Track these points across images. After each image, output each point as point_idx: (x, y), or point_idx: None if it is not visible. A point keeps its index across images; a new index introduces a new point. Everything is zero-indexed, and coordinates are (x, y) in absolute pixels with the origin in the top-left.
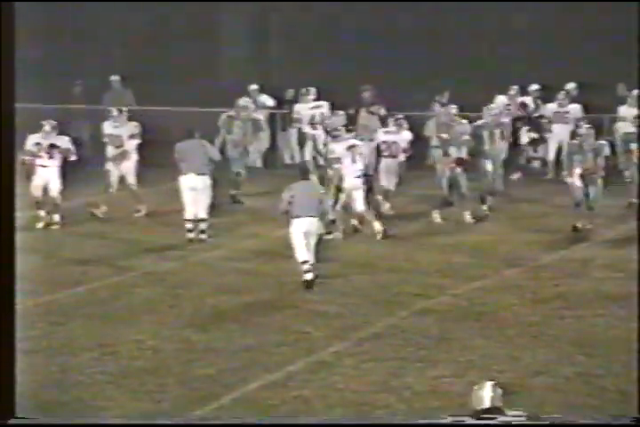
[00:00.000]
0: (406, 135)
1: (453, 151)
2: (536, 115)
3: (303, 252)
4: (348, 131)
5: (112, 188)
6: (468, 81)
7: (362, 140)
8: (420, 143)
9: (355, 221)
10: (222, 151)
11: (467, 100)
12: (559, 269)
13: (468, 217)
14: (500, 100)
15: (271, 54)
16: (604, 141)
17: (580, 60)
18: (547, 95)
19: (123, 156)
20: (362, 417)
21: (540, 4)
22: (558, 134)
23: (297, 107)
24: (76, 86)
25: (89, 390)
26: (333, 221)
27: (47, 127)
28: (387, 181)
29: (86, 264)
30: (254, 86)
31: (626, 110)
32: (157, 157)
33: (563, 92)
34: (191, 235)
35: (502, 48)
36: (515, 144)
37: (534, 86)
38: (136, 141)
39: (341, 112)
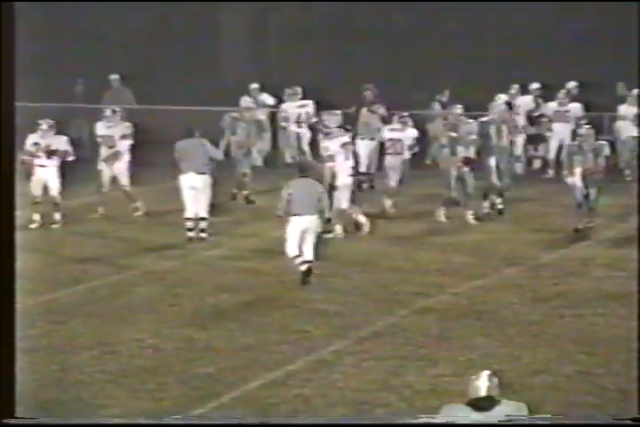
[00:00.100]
0: (411, 133)
1: (461, 150)
2: (537, 114)
3: (294, 247)
4: (346, 130)
5: (105, 188)
6: (468, 81)
7: (363, 139)
8: (419, 142)
9: (361, 218)
10: (227, 152)
11: (467, 99)
12: (559, 268)
13: (470, 217)
14: (501, 99)
15: (271, 54)
16: (603, 141)
17: (580, 59)
18: (547, 94)
19: (115, 156)
20: (362, 416)
21: (540, 3)
22: (559, 133)
23: (284, 106)
24: (77, 85)
25: (89, 388)
26: (329, 220)
27: (44, 126)
28: (390, 178)
29: (86, 263)
30: (255, 85)
31: (626, 109)
32: (157, 157)
33: (563, 90)
34: (191, 234)
35: (502, 48)
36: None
37: (535, 85)
38: (128, 142)
39: (338, 111)
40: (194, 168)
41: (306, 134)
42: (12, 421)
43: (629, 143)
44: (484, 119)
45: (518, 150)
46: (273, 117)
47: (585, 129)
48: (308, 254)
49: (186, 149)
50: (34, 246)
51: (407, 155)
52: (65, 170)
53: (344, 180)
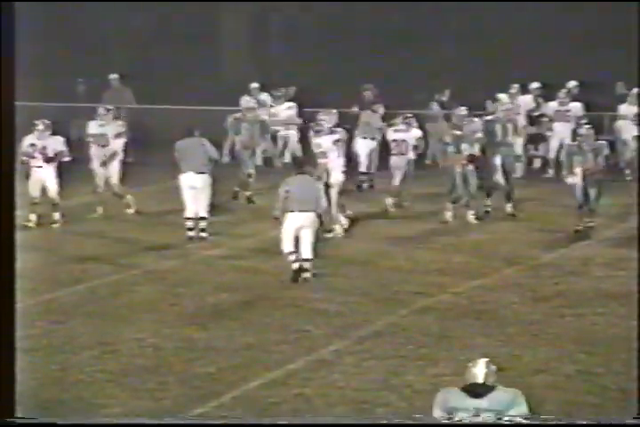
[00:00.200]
0: (415, 133)
1: (466, 148)
2: (537, 113)
3: (289, 244)
4: (345, 129)
5: (100, 188)
6: (468, 81)
7: (364, 138)
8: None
9: (342, 218)
10: (232, 153)
11: (467, 99)
12: (559, 268)
13: (471, 217)
14: (501, 98)
15: (271, 54)
16: (603, 141)
17: (580, 59)
18: (547, 94)
19: (112, 157)
20: (362, 415)
21: (540, 3)
22: (559, 133)
23: (273, 109)
24: (78, 85)
25: (89, 388)
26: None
27: (40, 126)
28: (395, 178)
29: (86, 262)
30: (255, 85)
31: (626, 109)
32: (157, 156)
33: (564, 90)
34: (191, 233)
35: (502, 48)
36: None
37: (535, 84)
38: (122, 140)
39: (334, 111)
40: (193, 168)
41: (294, 135)
42: (12, 421)
43: (630, 143)
44: (490, 117)
45: (518, 150)
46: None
47: (585, 129)
48: (306, 252)
49: (185, 149)
50: (34, 246)
51: (412, 155)
52: (65, 170)
53: (337, 177)
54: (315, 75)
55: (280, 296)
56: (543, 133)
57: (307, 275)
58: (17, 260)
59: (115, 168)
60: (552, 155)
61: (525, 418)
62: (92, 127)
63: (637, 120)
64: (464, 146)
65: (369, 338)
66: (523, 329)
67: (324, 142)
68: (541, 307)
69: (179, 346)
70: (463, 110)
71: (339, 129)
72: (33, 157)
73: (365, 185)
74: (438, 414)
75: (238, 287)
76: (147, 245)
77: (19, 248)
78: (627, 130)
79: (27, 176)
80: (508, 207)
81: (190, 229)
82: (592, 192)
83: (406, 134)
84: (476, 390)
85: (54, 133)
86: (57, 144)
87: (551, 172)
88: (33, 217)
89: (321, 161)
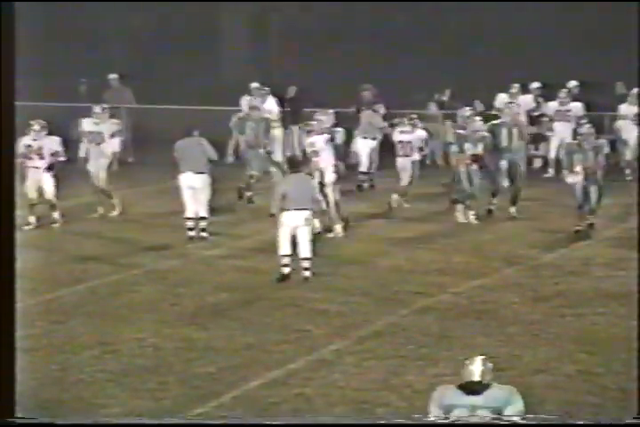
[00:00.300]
0: (420, 134)
1: (469, 148)
2: (537, 113)
3: (285, 245)
4: (344, 128)
5: (97, 188)
6: (468, 81)
7: (365, 138)
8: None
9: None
10: (236, 153)
11: (467, 99)
12: (559, 268)
13: (472, 217)
14: (501, 98)
15: (271, 54)
16: (603, 140)
17: (580, 59)
18: (548, 93)
19: (110, 156)
20: (362, 415)
21: (540, 3)
22: (560, 133)
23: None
24: (80, 85)
25: (89, 388)
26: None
27: (36, 127)
28: (402, 180)
29: (87, 262)
30: (255, 84)
31: (626, 108)
32: (157, 156)
33: (564, 90)
34: (192, 233)
35: (502, 48)
36: None
37: (535, 84)
38: (119, 139)
39: (330, 111)
40: (192, 168)
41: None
42: (12, 421)
43: (631, 143)
44: (496, 122)
45: (523, 154)
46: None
47: (586, 128)
48: (305, 251)
49: (184, 149)
50: (34, 246)
51: (417, 156)
52: (65, 170)
53: (330, 176)
54: (315, 75)
55: (280, 296)
56: (543, 133)
57: (306, 274)
58: (17, 260)
59: (103, 165)
60: (552, 155)
61: (522, 418)
62: (87, 125)
63: (637, 120)
64: (467, 145)
65: (369, 338)
66: (523, 329)
67: (317, 141)
68: (541, 307)
69: (179, 346)
70: (467, 110)
71: (338, 129)
72: (30, 158)
73: (366, 185)
74: (434, 410)
75: (238, 287)
76: (147, 245)
77: (19, 248)
78: (627, 130)
79: (23, 177)
80: (512, 210)
81: (190, 229)
82: (593, 192)
83: (411, 135)
84: (472, 388)
85: (52, 133)
86: (53, 144)
87: (551, 171)
88: (32, 219)
89: (313, 160)
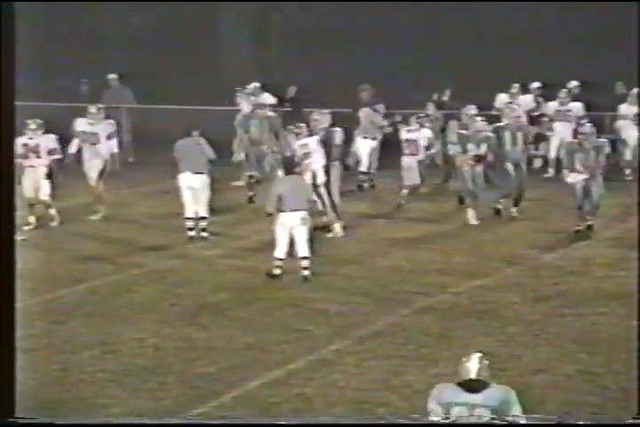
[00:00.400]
0: (426, 133)
1: (472, 148)
2: (537, 113)
3: (282, 249)
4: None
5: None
6: (469, 80)
7: (365, 138)
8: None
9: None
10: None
11: (467, 99)
12: (560, 268)
13: (472, 217)
14: (502, 98)
15: (271, 54)
16: (604, 140)
17: (580, 59)
18: (548, 93)
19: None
20: (363, 415)
21: (540, 3)
22: (560, 133)
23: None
24: (81, 85)
25: (90, 388)
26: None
27: (33, 126)
28: (408, 178)
29: (87, 262)
30: (256, 84)
31: (626, 108)
32: (157, 156)
33: (564, 90)
34: (192, 233)
35: (502, 48)
36: None
37: (535, 84)
38: (115, 140)
39: (326, 111)
40: (190, 168)
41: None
42: (12, 421)
43: (631, 143)
44: (500, 124)
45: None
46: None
47: (587, 127)
48: (303, 251)
49: (184, 149)
50: (34, 246)
51: (422, 155)
52: (65, 170)
53: (321, 177)
54: (315, 75)
55: (280, 296)
56: (543, 133)
57: (306, 273)
58: (17, 260)
59: (98, 164)
60: (552, 155)
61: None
62: (81, 125)
63: (637, 120)
64: (470, 146)
65: (369, 338)
66: (523, 329)
67: (310, 143)
68: (542, 307)
69: (179, 346)
70: (472, 109)
71: (336, 129)
72: (27, 157)
73: (366, 185)
74: (433, 407)
75: (238, 287)
76: (147, 245)
77: (19, 248)
78: (627, 130)
79: (20, 178)
80: (513, 210)
81: (190, 229)
82: (593, 191)
83: (417, 134)
84: (471, 386)
85: (49, 132)
86: (49, 142)
87: (551, 171)
88: (32, 219)
89: (305, 161)
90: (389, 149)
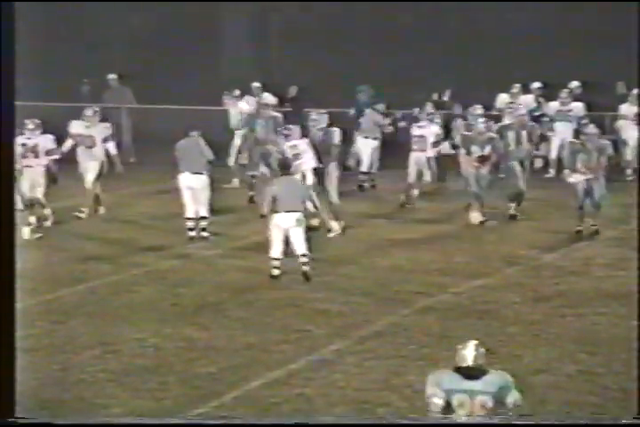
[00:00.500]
0: (434, 129)
1: (476, 150)
2: (538, 113)
3: (278, 249)
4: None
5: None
6: (469, 80)
7: (366, 137)
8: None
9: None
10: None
11: (467, 99)
12: (560, 268)
13: (473, 217)
14: (502, 98)
15: (271, 54)
16: (607, 141)
17: (581, 59)
18: (549, 93)
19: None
20: (363, 415)
21: (540, 3)
22: (561, 133)
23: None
24: (82, 85)
25: (90, 388)
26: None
27: (31, 126)
28: (414, 175)
29: (87, 262)
30: (256, 84)
31: (627, 108)
32: (157, 157)
33: (565, 90)
34: (192, 233)
35: (502, 48)
36: None
37: (536, 84)
38: (112, 143)
39: (323, 110)
40: (189, 168)
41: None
42: (12, 421)
43: (631, 143)
44: (504, 124)
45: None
46: None
47: (590, 128)
48: (300, 248)
49: (184, 149)
50: (34, 246)
51: (430, 152)
52: (65, 170)
53: (310, 178)
54: (315, 75)
55: (280, 296)
56: (544, 133)
57: (305, 268)
58: (17, 260)
59: (95, 165)
60: (553, 155)
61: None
62: (76, 127)
63: (638, 120)
64: (474, 148)
65: (370, 338)
66: (524, 329)
67: (300, 144)
68: (542, 307)
69: (179, 346)
70: (478, 108)
71: (334, 129)
72: (25, 157)
73: (367, 185)
74: (434, 391)
75: (238, 287)
76: (147, 245)
77: (19, 248)
78: (627, 130)
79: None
80: (512, 210)
81: (191, 229)
82: (596, 191)
83: (426, 130)
84: (470, 373)
85: (48, 132)
86: (47, 142)
87: (552, 172)
88: (32, 219)
89: (294, 163)
90: (390, 149)
